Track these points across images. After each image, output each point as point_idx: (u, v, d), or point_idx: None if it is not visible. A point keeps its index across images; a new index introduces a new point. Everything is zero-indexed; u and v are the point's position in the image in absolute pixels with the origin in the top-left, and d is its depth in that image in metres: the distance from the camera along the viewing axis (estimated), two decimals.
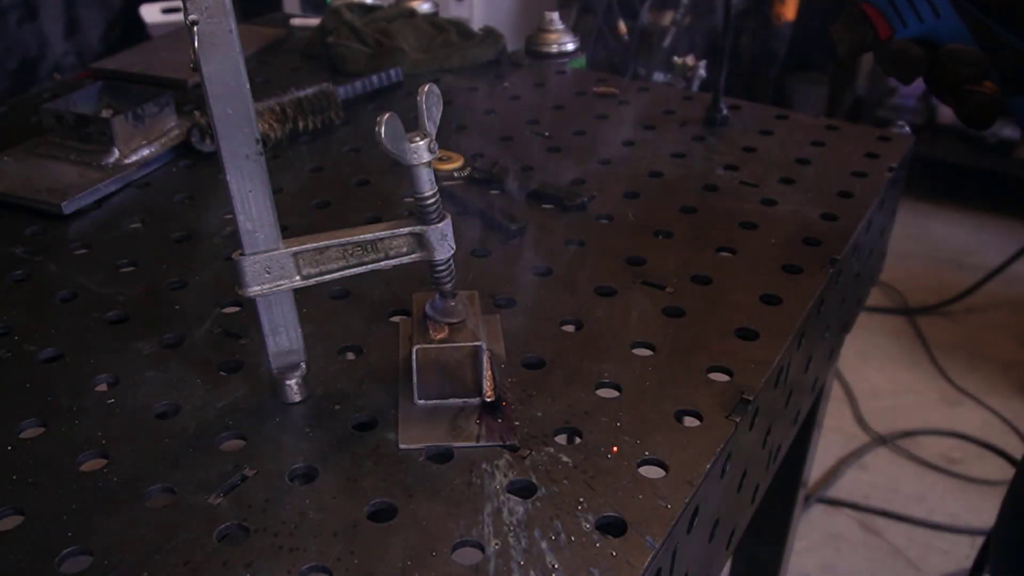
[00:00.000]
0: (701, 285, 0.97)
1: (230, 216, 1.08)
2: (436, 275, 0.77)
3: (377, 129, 0.68)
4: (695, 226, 1.09)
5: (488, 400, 0.80)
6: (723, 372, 0.84)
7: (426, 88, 0.72)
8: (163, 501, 0.70)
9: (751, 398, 0.80)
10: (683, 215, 1.12)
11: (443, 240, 0.75)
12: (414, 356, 0.78)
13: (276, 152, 1.28)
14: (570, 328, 0.91)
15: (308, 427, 0.78)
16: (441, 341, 0.78)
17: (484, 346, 0.78)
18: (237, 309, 0.94)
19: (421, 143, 0.71)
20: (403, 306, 0.93)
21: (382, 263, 0.76)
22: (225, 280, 0.98)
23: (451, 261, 0.77)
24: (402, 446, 0.75)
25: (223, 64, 0.67)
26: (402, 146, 0.70)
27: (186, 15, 0.65)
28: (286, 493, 0.71)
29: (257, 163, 0.71)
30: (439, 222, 0.74)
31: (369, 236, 0.75)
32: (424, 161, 0.71)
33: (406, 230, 0.75)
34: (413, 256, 0.76)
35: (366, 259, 0.76)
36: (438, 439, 0.76)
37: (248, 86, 0.69)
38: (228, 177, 0.71)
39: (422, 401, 0.80)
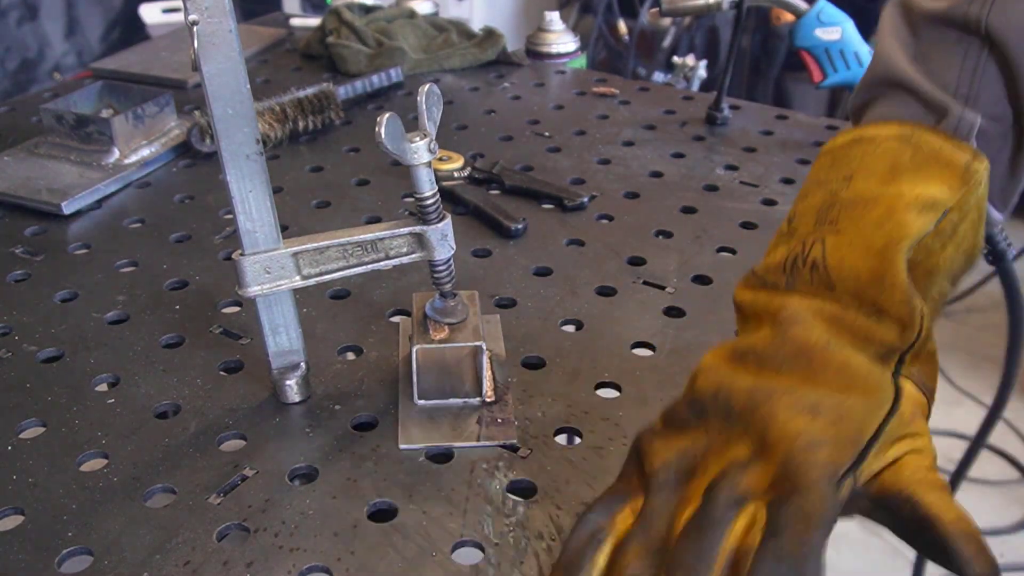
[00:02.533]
0: (701, 285, 0.97)
1: (230, 216, 1.08)
2: (436, 275, 0.77)
3: (377, 129, 0.68)
4: (695, 226, 1.09)
5: (488, 400, 0.80)
6: None
7: (426, 88, 0.72)
8: (163, 501, 0.70)
9: None
10: (683, 215, 1.12)
11: (443, 240, 0.75)
12: (414, 356, 0.78)
13: (276, 152, 1.28)
14: (570, 328, 0.91)
15: (308, 427, 0.78)
16: (441, 341, 0.78)
17: (484, 346, 0.78)
18: (237, 309, 0.94)
19: (421, 143, 0.71)
20: (403, 306, 0.93)
21: (382, 263, 0.76)
22: (225, 280, 0.98)
23: (451, 261, 0.77)
24: (402, 446, 0.75)
25: (223, 64, 0.67)
26: (402, 146, 0.70)
27: (186, 15, 0.65)
28: (286, 493, 0.71)
29: (257, 163, 0.71)
30: (439, 222, 0.74)
31: (369, 236, 0.75)
32: (424, 161, 0.71)
33: (406, 230, 0.75)
34: (413, 256, 0.76)
35: (366, 259, 0.76)
36: (438, 439, 0.76)
37: (248, 86, 0.69)
38: (228, 177, 0.71)
39: (422, 401, 0.80)
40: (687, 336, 0.89)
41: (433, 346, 0.78)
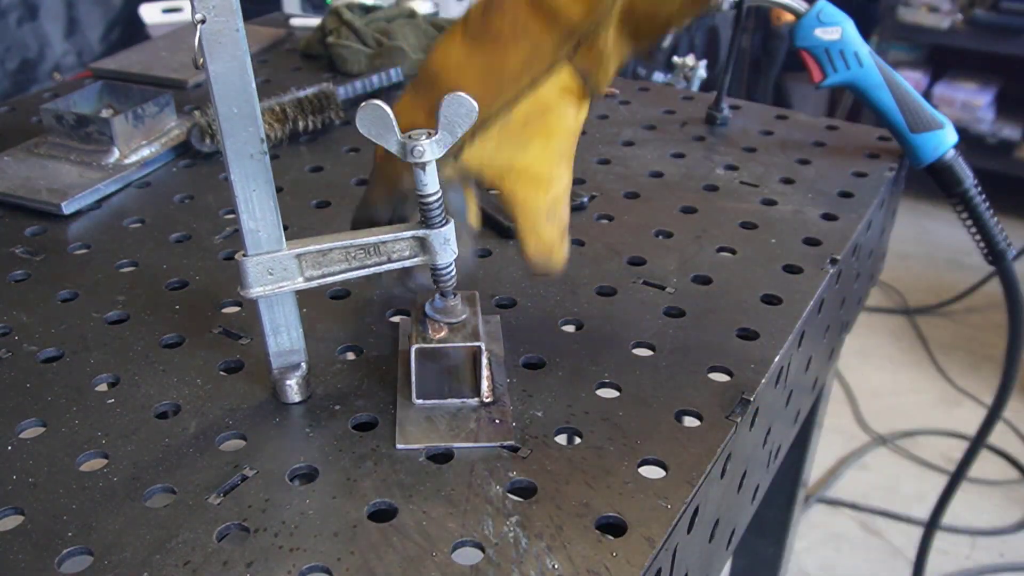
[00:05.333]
0: (701, 285, 0.97)
1: (230, 216, 1.08)
2: (438, 279, 0.77)
3: (357, 118, 0.68)
4: (695, 226, 1.09)
5: (487, 401, 0.80)
6: (723, 372, 0.84)
7: (452, 97, 0.69)
8: (163, 501, 0.70)
9: (751, 398, 0.80)
10: (683, 215, 1.12)
11: (445, 244, 0.75)
12: (412, 356, 0.78)
13: (276, 152, 1.28)
14: (570, 328, 0.91)
15: (308, 427, 0.78)
16: (440, 341, 0.78)
17: (484, 346, 0.78)
18: (237, 309, 0.94)
19: (425, 142, 0.70)
20: (403, 306, 0.93)
21: (384, 266, 0.76)
22: (225, 280, 0.98)
23: (453, 265, 0.77)
24: (399, 446, 0.75)
25: (229, 63, 0.67)
26: (388, 137, 0.69)
27: (193, 14, 0.65)
28: (286, 493, 0.71)
29: (261, 163, 0.71)
30: (442, 226, 0.74)
31: (372, 239, 0.75)
32: (425, 161, 0.71)
33: (409, 234, 0.74)
34: (415, 260, 0.76)
35: (368, 262, 0.76)
36: (436, 439, 0.76)
37: (254, 85, 0.69)
38: (232, 177, 0.71)
39: (420, 401, 0.80)
40: (687, 336, 0.89)
41: (431, 346, 0.78)
